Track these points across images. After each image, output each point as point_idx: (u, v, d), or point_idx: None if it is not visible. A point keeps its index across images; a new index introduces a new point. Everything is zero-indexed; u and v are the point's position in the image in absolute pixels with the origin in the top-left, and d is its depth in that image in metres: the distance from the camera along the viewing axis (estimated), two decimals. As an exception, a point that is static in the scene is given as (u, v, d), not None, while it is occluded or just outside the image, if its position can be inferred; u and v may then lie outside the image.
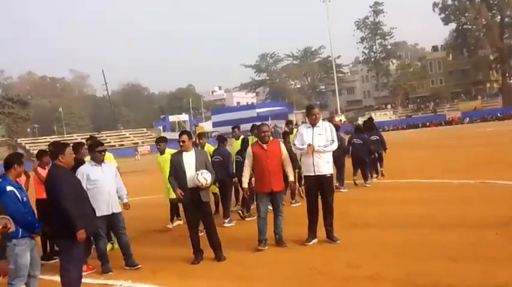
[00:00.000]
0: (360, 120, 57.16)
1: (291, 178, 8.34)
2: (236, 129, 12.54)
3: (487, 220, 8.22)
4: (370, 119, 17.24)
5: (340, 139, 13.52)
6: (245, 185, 8.25)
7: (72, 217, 5.68)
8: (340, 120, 71.62)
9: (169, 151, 9.97)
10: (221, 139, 11.26)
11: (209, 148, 11.33)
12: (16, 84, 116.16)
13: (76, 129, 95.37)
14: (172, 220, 10.63)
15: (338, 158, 13.34)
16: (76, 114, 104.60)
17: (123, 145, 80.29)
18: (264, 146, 7.99)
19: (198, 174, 7.43)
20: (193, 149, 7.85)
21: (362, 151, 13.76)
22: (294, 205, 11.49)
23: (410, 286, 5.61)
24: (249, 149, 8.23)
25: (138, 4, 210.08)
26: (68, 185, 5.86)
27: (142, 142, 78.67)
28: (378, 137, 14.40)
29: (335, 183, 12.00)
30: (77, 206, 5.78)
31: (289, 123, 13.80)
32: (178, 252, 8.23)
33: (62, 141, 6.40)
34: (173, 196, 9.60)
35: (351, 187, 13.39)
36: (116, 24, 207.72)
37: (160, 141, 10.59)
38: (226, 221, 10.32)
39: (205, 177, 7.43)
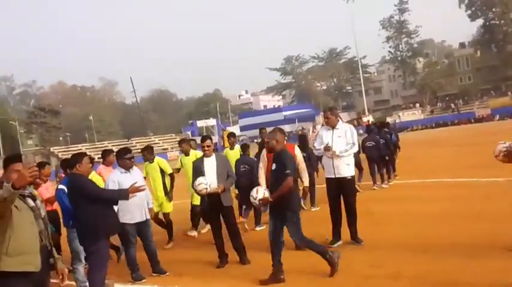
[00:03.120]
0: (389, 120, 57.00)
1: (306, 183, 8.25)
2: (232, 137, 11.38)
3: (508, 217, 8.21)
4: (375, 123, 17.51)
5: (375, 141, 13.66)
6: (263, 184, 7.68)
7: (111, 196, 6.49)
8: (368, 120, 71.22)
9: (195, 153, 10.07)
10: (245, 148, 10.73)
11: (236, 152, 10.99)
12: (48, 94, 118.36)
13: (106, 136, 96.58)
14: (196, 227, 10.42)
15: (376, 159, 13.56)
16: (106, 122, 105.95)
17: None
18: None
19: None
20: (214, 154, 7.93)
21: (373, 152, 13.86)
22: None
23: (428, 285, 5.69)
24: (264, 153, 8.34)
25: (163, 11, 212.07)
26: (92, 185, 6.33)
27: (172, 148, 79.20)
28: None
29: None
30: (100, 207, 6.15)
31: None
32: (204, 255, 8.41)
33: (79, 152, 6.72)
34: (196, 202, 9.73)
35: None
36: (142, 32, 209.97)
37: (183, 142, 10.57)
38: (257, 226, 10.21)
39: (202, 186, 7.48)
